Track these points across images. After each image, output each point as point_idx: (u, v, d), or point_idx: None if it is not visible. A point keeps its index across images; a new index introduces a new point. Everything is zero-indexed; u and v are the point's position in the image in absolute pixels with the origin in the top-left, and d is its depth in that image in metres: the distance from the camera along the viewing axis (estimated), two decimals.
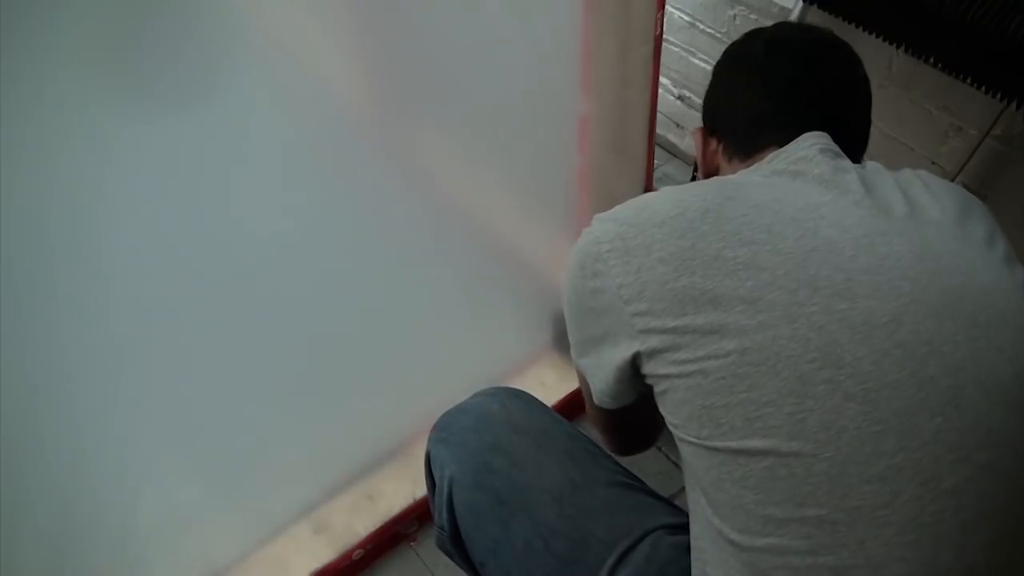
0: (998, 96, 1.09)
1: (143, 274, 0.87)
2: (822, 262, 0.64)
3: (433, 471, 0.92)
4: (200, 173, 0.86)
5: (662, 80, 1.80)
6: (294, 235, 0.98)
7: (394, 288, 1.14)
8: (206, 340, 0.97)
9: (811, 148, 0.73)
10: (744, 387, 0.63)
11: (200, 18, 0.78)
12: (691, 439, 0.67)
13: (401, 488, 1.29)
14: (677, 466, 1.35)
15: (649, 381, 0.70)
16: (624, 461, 0.91)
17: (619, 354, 0.70)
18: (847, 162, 0.72)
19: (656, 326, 0.66)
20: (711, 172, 0.87)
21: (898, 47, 1.16)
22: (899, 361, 0.62)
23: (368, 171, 1.02)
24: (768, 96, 0.81)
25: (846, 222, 0.66)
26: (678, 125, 1.90)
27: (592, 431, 0.92)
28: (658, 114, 1.38)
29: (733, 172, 0.81)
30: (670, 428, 0.70)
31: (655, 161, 1.43)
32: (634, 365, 0.70)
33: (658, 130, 1.72)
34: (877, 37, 1.17)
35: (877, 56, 1.28)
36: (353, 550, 1.24)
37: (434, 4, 0.96)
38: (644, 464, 1.20)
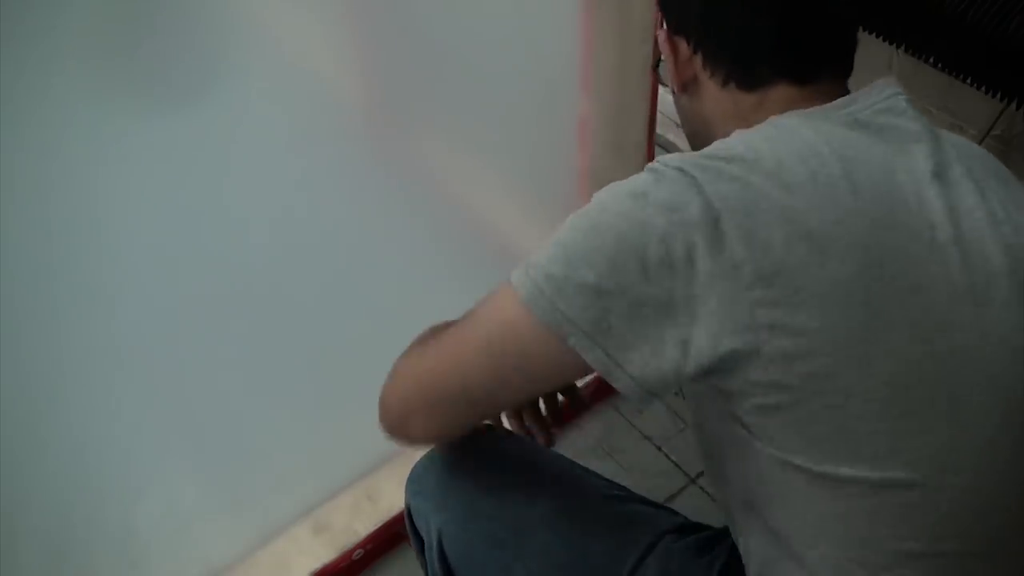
0: (998, 96, 1.09)
1: (144, 274, 0.87)
2: (973, 282, 0.57)
3: (417, 525, 0.86)
4: (201, 173, 0.86)
5: None
6: (293, 235, 0.98)
7: (393, 287, 1.14)
8: (206, 340, 0.97)
9: (896, 98, 0.64)
10: (897, 412, 0.56)
11: (200, 18, 0.78)
12: (809, 466, 0.57)
13: (401, 488, 1.29)
14: (677, 466, 1.34)
15: (736, 386, 0.56)
16: (624, 462, 0.88)
17: (705, 343, 0.54)
18: (940, 132, 0.63)
19: (790, 324, 0.53)
20: (687, 81, 0.71)
21: (898, 47, 1.16)
22: None
23: (368, 172, 1.02)
24: (771, 9, 0.64)
25: (972, 234, 0.59)
26: (678, 125, 1.89)
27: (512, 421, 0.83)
28: (658, 114, 1.38)
29: (733, 102, 0.67)
30: (770, 451, 0.57)
31: None
32: (720, 361, 0.54)
33: (658, 130, 1.71)
34: (877, 37, 1.17)
35: (877, 56, 1.27)
36: (353, 550, 1.24)
37: (434, 4, 0.96)
38: (645, 464, 1.19)
